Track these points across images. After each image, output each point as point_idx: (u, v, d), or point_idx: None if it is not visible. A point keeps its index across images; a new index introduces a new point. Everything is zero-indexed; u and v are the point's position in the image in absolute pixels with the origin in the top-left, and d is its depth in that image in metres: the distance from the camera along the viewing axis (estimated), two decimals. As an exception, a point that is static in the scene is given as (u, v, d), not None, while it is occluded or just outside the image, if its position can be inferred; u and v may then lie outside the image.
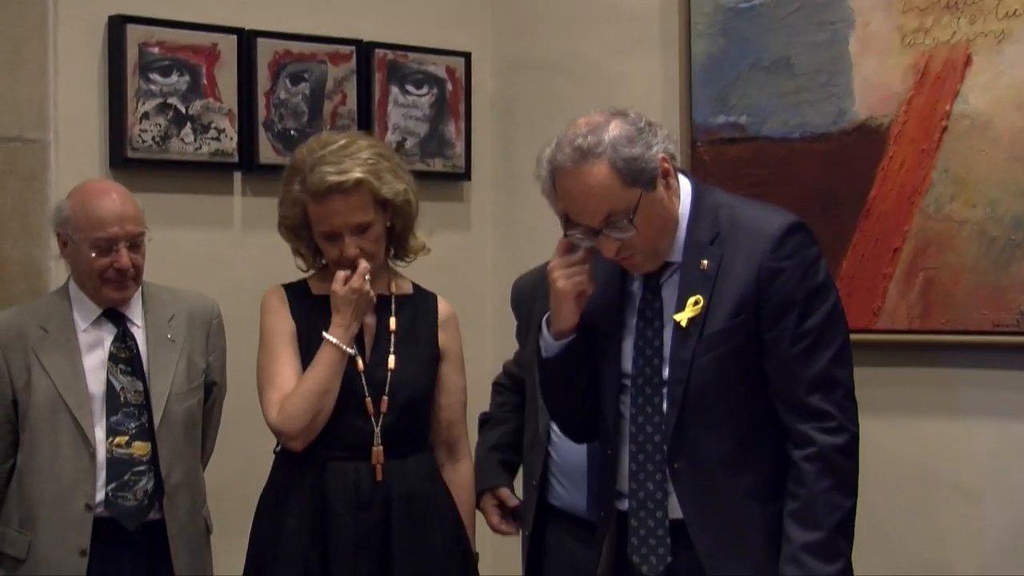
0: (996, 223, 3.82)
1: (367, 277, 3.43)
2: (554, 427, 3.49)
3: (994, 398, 3.85)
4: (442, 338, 3.64)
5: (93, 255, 3.57)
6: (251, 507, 3.60)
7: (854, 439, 2.87)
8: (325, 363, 3.45)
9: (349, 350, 3.45)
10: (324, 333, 3.44)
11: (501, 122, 4.98)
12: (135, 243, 3.60)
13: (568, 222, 2.92)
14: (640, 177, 2.84)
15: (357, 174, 3.46)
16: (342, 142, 3.54)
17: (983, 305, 3.84)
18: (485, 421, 3.88)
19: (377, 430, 3.51)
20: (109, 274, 3.58)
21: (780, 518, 2.87)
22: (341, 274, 3.43)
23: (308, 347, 3.53)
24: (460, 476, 3.67)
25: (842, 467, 2.85)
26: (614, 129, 2.84)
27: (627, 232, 2.85)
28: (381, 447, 3.50)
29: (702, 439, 2.90)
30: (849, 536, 2.86)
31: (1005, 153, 3.81)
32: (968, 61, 3.86)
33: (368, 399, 3.51)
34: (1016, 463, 3.81)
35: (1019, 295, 3.78)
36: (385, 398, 3.52)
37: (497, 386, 3.88)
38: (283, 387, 3.48)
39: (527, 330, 3.73)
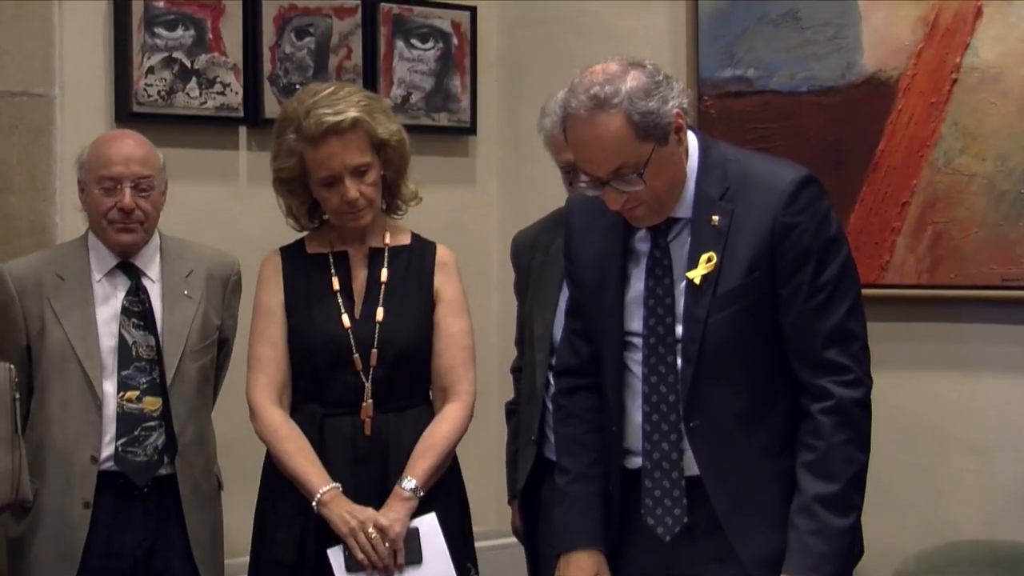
0: (1006, 177, 3.80)
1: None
2: (551, 380, 3.43)
3: (1003, 352, 3.83)
4: (438, 280, 3.61)
5: (99, 194, 3.59)
6: (260, 462, 3.60)
7: (869, 393, 2.87)
8: (303, 475, 3.43)
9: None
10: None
11: (506, 77, 4.98)
12: (141, 186, 3.60)
13: (573, 171, 2.87)
14: (654, 132, 2.79)
15: (353, 113, 3.47)
16: (331, 88, 3.57)
17: (992, 259, 3.83)
18: (512, 412, 3.86)
19: (368, 385, 3.51)
20: (113, 215, 3.59)
21: (794, 473, 2.87)
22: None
23: (301, 305, 3.56)
24: (443, 413, 3.56)
25: (859, 420, 2.84)
26: (632, 80, 2.78)
27: (635, 186, 2.81)
28: (371, 402, 3.51)
29: (717, 397, 2.89)
30: (862, 490, 2.86)
31: (1015, 106, 3.79)
32: (979, 13, 3.83)
33: (356, 355, 3.50)
34: None
35: None
36: (374, 351, 3.51)
37: (517, 372, 3.85)
38: (264, 370, 3.53)
39: (526, 284, 3.74)
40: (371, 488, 3.47)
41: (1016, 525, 3.74)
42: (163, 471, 3.61)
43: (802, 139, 4.14)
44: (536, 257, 3.69)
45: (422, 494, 3.46)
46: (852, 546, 2.85)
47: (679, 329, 2.90)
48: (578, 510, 3.06)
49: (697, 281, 2.86)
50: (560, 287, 3.51)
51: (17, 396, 3.44)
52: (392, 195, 3.65)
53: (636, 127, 2.77)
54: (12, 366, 3.46)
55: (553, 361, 3.45)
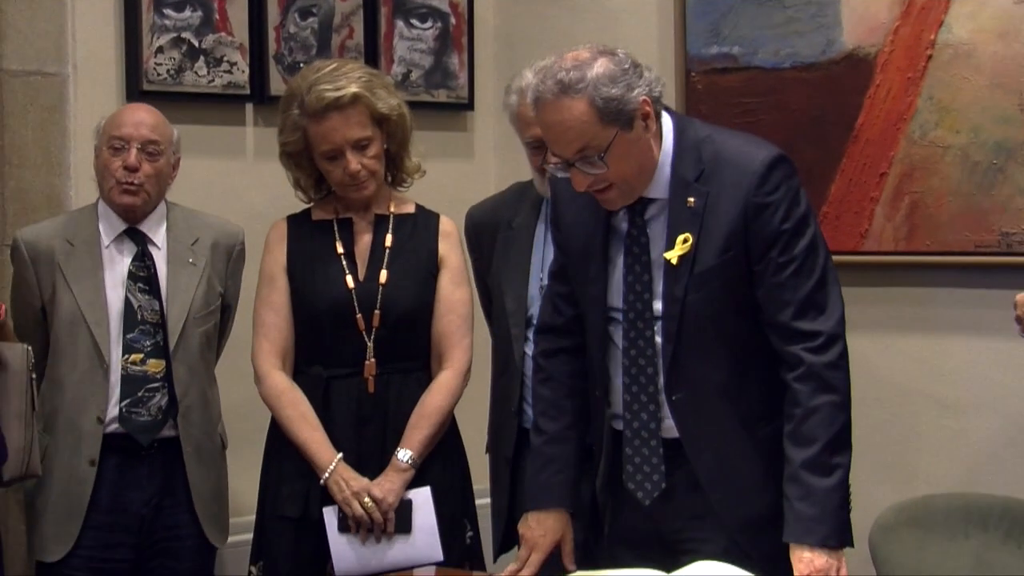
0: (979, 148, 3.85)
1: None
2: (528, 352, 3.45)
3: (976, 316, 3.86)
4: (442, 248, 3.64)
5: (108, 154, 3.60)
6: (266, 423, 3.64)
7: (842, 355, 2.87)
8: (304, 441, 3.49)
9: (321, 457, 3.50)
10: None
11: (502, 54, 4.97)
12: (148, 150, 3.61)
13: (538, 147, 2.90)
14: (617, 117, 2.79)
15: (353, 88, 3.49)
16: (334, 65, 3.60)
17: (966, 227, 3.86)
18: None
19: (370, 344, 3.53)
20: (119, 174, 3.59)
21: (774, 440, 2.88)
22: None
23: (305, 268, 3.59)
24: (436, 382, 3.59)
25: (832, 382, 2.84)
26: (599, 68, 2.79)
27: (598, 168, 2.82)
28: (374, 360, 3.53)
29: (698, 371, 2.91)
30: (844, 449, 2.85)
31: (987, 80, 3.82)
32: None
33: (359, 316, 3.52)
34: (996, 377, 3.84)
35: (1000, 217, 3.80)
36: (377, 312, 3.53)
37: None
38: (268, 335, 3.57)
39: (488, 259, 3.70)
40: (373, 449, 3.51)
41: (987, 478, 3.78)
42: (168, 432, 3.61)
43: (785, 113, 4.16)
44: (500, 232, 3.67)
45: (417, 464, 3.49)
46: (842, 504, 2.84)
47: (657, 305, 2.92)
48: (550, 471, 3.08)
49: (674, 261, 2.87)
50: (529, 258, 3.54)
51: (33, 376, 3.47)
52: (396, 168, 3.66)
53: (599, 112, 2.78)
54: (29, 347, 3.48)
55: (530, 335, 3.45)
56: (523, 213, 3.59)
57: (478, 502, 3.73)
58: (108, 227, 3.66)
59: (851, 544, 2.86)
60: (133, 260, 3.65)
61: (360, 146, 3.52)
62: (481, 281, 3.79)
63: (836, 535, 2.81)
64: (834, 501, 2.81)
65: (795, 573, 2.77)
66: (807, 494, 2.80)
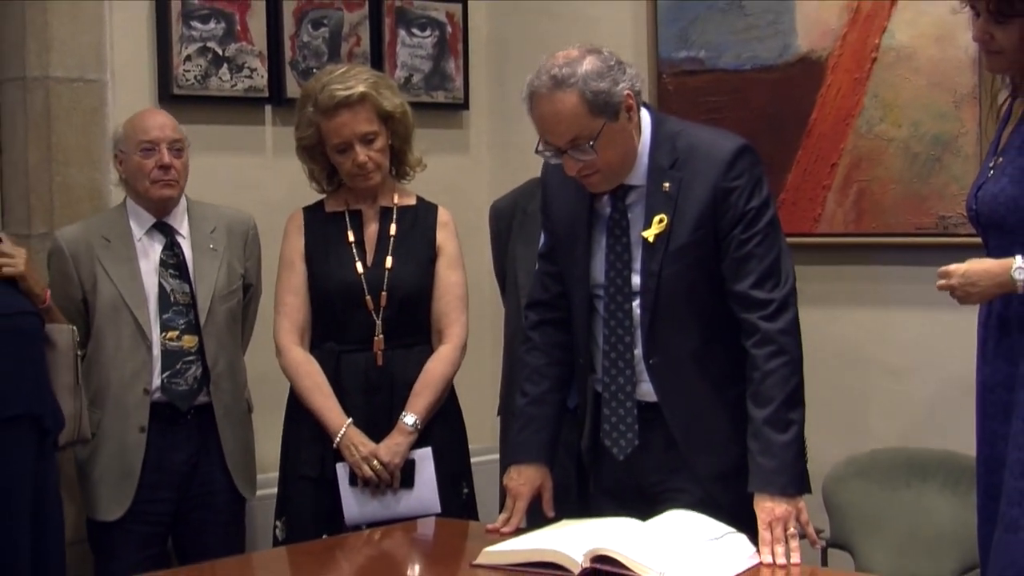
0: (918, 141, 3.86)
1: None
2: None
3: (917, 290, 3.85)
4: (439, 237, 3.66)
5: (140, 157, 3.63)
6: (286, 389, 3.67)
7: (793, 321, 2.88)
8: (318, 409, 3.54)
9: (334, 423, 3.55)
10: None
11: (494, 59, 4.94)
12: (175, 147, 3.65)
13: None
14: (606, 109, 2.81)
15: (361, 88, 3.51)
16: (344, 68, 3.62)
17: (907, 211, 3.89)
18: None
19: (378, 322, 3.56)
20: (155, 174, 3.62)
21: (741, 400, 2.89)
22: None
23: (320, 255, 3.62)
24: (436, 354, 3.62)
25: (785, 346, 2.85)
26: (588, 64, 2.81)
27: (588, 155, 2.83)
28: (382, 337, 3.56)
29: (673, 338, 2.93)
30: (798, 405, 2.87)
31: (926, 80, 3.84)
32: (894, 1, 3.88)
33: (368, 297, 3.55)
34: (935, 345, 3.86)
35: (937, 202, 3.82)
36: (384, 293, 3.56)
37: None
38: (288, 314, 3.60)
39: (505, 243, 3.73)
40: (380, 414, 3.55)
41: (926, 434, 3.80)
42: (202, 399, 3.65)
43: (747, 110, 4.18)
44: (516, 218, 3.68)
45: (421, 427, 3.53)
46: (799, 456, 2.85)
47: (635, 280, 2.93)
48: (531, 429, 3.09)
49: (651, 240, 2.89)
50: (539, 240, 3.46)
51: (79, 353, 3.50)
52: (400, 162, 3.67)
53: (589, 104, 2.79)
54: (75, 328, 3.50)
55: None
56: (536, 201, 3.59)
57: (474, 460, 3.76)
58: (138, 223, 3.69)
59: (809, 491, 2.89)
60: (164, 249, 3.69)
61: (367, 140, 3.54)
62: (498, 265, 3.81)
63: (794, 484, 2.82)
64: (791, 454, 2.83)
65: (759, 519, 2.79)
66: (767, 448, 2.82)
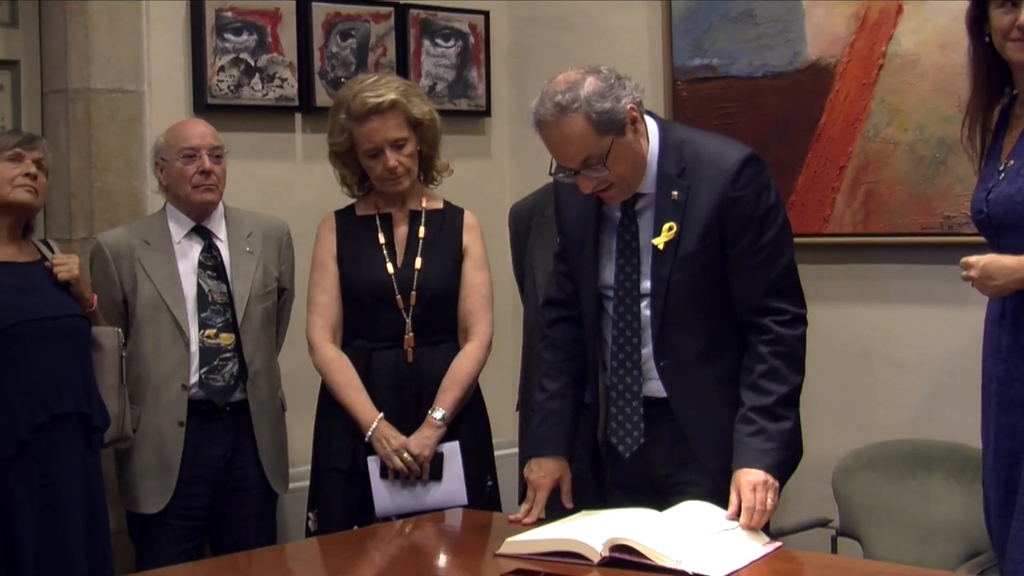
0: (924, 144, 3.85)
1: None
2: None
3: (921, 288, 3.89)
4: (466, 239, 3.68)
5: (182, 164, 3.66)
6: (316, 387, 3.69)
7: (805, 334, 2.92)
8: (350, 404, 3.56)
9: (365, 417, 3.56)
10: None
11: (515, 68, 4.94)
12: (215, 153, 3.69)
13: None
14: (612, 126, 2.80)
15: (392, 95, 3.54)
16: (375, 77, 3.64)
17: (913, 212, 3.88)
18: None
19: (408, 321, 3.58)
20: (196, 179, 3.65)
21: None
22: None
23: (351, 257, 3.63)
24: (463, 351, 3.63)
25: (796, 352, 2.89)
26: (588, 86, 2.78)
27: (601, 173, 2.83)
28: (412, 334, 3.58)
29: (681, 340, 2.93)
30: (792, 407, 2.88)
31: (931, 86, 3.83)
32: (900, 10, 3.88)
33: (398, 296, 3.57)
34: (938, 340, 3.86)
35: (942, 203, 3.81)
36: (413, 293, 3.58)
37: None
38: (321, 313, 3.61)
39: (524, 244, 3.74)
40: (409, 409, 3.57)
41: (930, 426, 3.79)
42: (238, 396, 3.66)
43: (758, 116, 4.17)
44: (535, 219, 3.69)
45: (448, 421, 3.54)
46: (785, 448, 2.85)
47: (644, 284, 2.93)
48: (550, 423, 3.09)
49: (661, 247, 2.89)
50: (556, 241, 3.58)
51: (123, 355, 3.52)
52: (428, 167, 3.69)
53: (595, 125, 2.78)
54: (119, 330, 3.54)
55: None
56: (554, 204, 3.64)
57: (497, 454, 3.77)
58: (177, 226, 3.72)
59: (783, 483, 2.86)
60: (202, 252, 3.71)
61: (397, 145, 3.55)
62: (518, 265, 3.81)
63: (778, 470, 2.83)
64: (781, 442, 2.83)
65: (741, 484, 2.78)
66: (759, 431, 2.83)
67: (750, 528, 2.77)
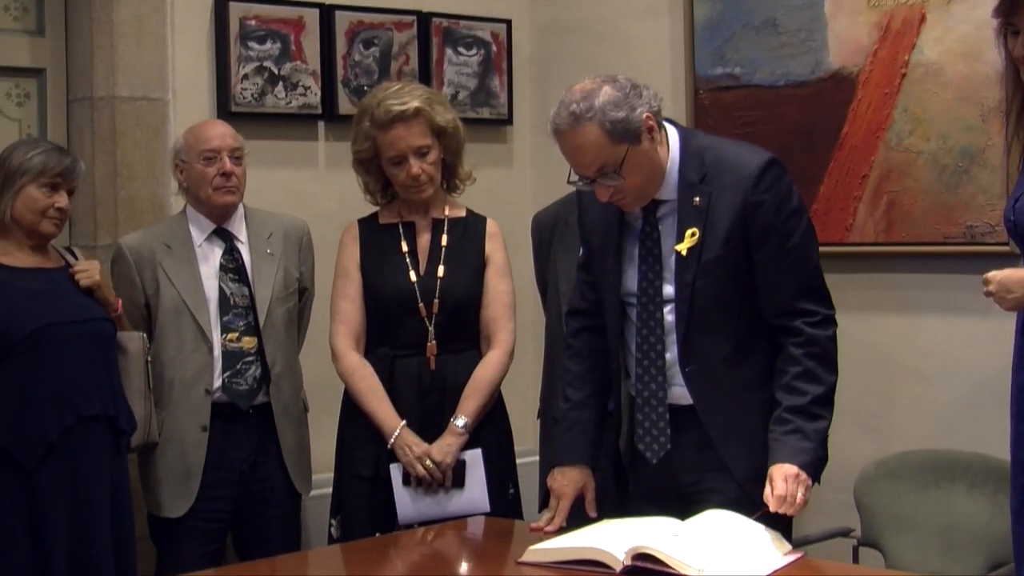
0: (947, 153, 3.84)
1: None
2: None
3: (944, 297, 3.88)
4: (488, 247, 3.67)
5: (202, 166, 3.64)
6: (339, 392, 3.68)
7: (836, 334, 2.91)
8: (373, 411, 3.55)
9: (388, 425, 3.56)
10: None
11: (537, 76, 4.94)
12: (235, 155, 3.67)
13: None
14: (626, 135, 2.80)
15: (416, 103, 3.53)
16: (399, 85, 3.65)
17: (936, 221, 3.87)
18: None
19: (431, 328, 3.58)
20: (217, 181, 3.64)
21: (773, 400, 2.89)
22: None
23: (375, 265, 3.62)
24: (485, 359, 3.63)
25: (829, 352, 2.89)
26: (603, 95, 2.78)
27: (616, 181, 2.83)
28: (435, 342, 3.57)
29: (706, 345, 2.92)
30: (828, 406, 2.88)
31: (953, 95, 3.83)
32: (923, 19, 3.87)
33: (421, 304, 3.57)
34: (962, 350, 3.85)
35: (965, 212, 3.80)
36: (436, 301, 3.58)
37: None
38: (344, 320, 3.61)
39: (547, 252, 3.73)
40: (432, 417, 3.56)
41: (952, 437, 3.78)
42: (261, 399, 3.65)
43: (780, 124, 4.17)
44: (558, 228, 3.68)
45: (471, 429, 3.54)
46: (821, 446, 2.84)
47: (667, 290, 2.92)
48: (574, 432, 3.08)
49: (684, 253, 2.88)
50: (579, 249, 3.55)
51: (148, 359, 3.54)
52: (451, 175, 3.68)
53: (609, 134, 2.78)
54: (144, 335, 3.55)
55: None
56: (577, 213, 3.62)
57: (518, 462, 3.76)
58: (198, 229, 3.70)
59: (818, 481, 2.86)
60: (223, 254, 3.70)
61: (421, 153, 3.55)
62: (540, 274, 3.80)
63: (812, 468, 2.82)
64: (817, 441, 2.83)
65: (773, 480, 2.77)
66: (795, 430, 2.82)
67: (780, 514, 2.77)
